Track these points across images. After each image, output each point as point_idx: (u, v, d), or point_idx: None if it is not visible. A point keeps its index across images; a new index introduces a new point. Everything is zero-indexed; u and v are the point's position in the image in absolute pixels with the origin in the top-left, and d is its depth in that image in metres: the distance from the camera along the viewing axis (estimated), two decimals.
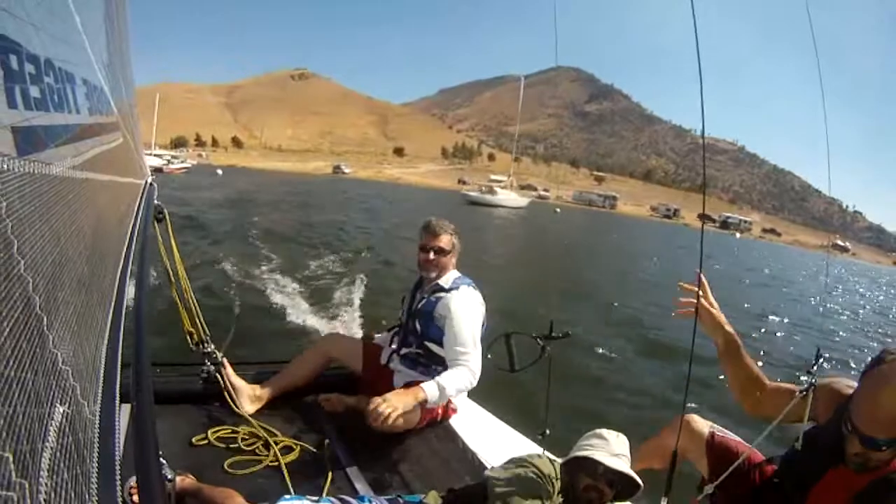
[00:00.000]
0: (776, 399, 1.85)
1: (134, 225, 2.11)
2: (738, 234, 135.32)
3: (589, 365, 6.90)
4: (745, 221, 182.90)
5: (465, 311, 2.71)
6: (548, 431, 2.16)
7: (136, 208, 2.43)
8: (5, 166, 0.58)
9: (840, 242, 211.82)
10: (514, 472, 1.93)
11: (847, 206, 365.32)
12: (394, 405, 2.41)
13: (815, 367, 1.81)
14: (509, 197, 69.11)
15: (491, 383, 2.80)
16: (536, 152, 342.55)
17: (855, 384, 1.73)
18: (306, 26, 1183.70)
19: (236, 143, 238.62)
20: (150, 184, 3.28)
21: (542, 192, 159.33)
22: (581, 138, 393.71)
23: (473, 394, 2.95)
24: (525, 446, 2.58)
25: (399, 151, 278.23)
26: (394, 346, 2.93)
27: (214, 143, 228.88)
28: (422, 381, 2.69)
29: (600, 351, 7.68)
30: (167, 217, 2.88)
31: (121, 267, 1.46)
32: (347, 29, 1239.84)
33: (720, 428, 2.24)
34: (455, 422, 2.86)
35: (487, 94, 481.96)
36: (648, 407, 5.78)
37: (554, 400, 2.18)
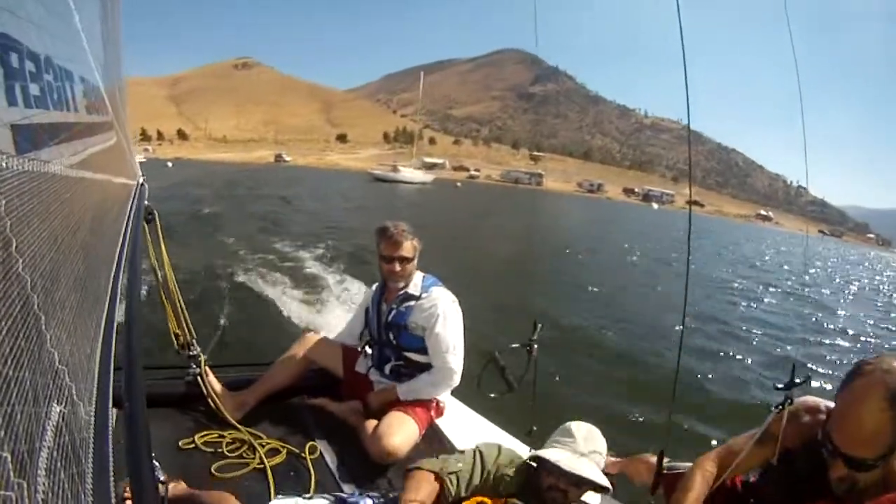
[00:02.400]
0: (735, 453, 1.81)
1: (126, 225, 2.08)
2: (655, 205, 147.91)
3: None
4: (668, 194, 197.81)
5: (447, 315, 2.69)
6: (535, 428, 2.16)
7: (128, 209, 2.40)
8: (4, 164, 0.58)
9: (763, 212, 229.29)
10: (454, 459, 1.93)
11: (790, 182, 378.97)
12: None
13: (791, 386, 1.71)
14: (412, 174, 78.62)
15: (480, 381, 2.73)
16: (481, 134, 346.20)
17: (824, 402, 1.68)
18: (250, 14, 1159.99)
19: (181, 135, 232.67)
20: (142, 184, 3.23)
21: (474, 172, 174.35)
22: (526, 120, 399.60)
23: (460, 395, 2.98)
24: (511, 445, 2.53)
25: (342, 138, 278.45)
26: (371, 362, 2.92)
27: (160, 136, 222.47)
28: None
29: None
30: (157, 218, 2.85)
31: (114, 268, 1.47)
32: (291, 16, 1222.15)
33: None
34: (442, 423, 2.85)
35: (432, 77, 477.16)
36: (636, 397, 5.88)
37: (541, 392, 2.10)
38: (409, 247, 2.71)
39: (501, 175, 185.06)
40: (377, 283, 2.98)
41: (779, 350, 9.23)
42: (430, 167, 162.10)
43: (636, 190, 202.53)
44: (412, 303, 2.75)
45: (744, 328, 10.68)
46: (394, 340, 2.78)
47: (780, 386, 1.71)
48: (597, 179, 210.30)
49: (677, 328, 8.54)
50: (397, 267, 2.71)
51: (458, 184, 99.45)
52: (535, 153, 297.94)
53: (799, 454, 1.67)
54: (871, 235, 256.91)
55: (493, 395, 2.66)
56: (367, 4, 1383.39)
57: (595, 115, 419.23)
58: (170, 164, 68.22)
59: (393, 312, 2.77)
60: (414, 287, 2.78)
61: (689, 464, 2.06)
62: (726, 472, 1.82)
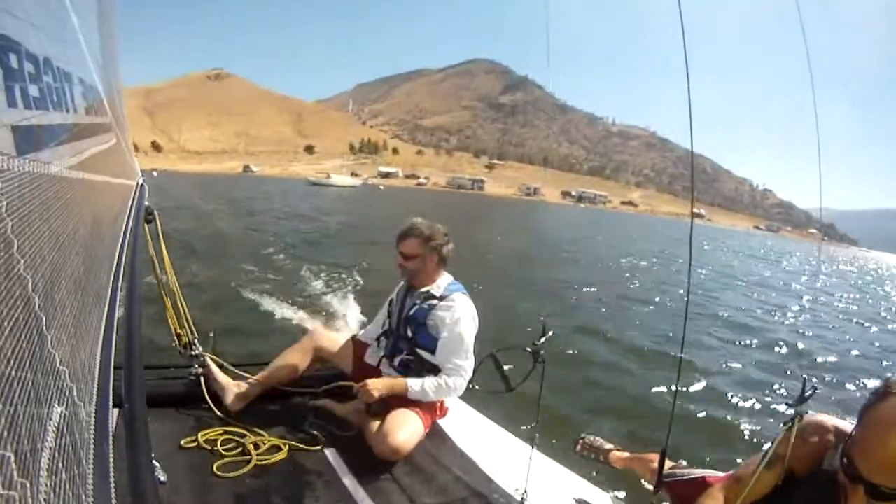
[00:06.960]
0: (742, 480, 1.66)
1: (126, 226, 2.09)
2: (582, 205, 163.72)
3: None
4: (601, 195, 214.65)
5: (461, 321, 2.67)
6: (537, 436, 2.16)
7: (128, 209, 2.41)
8: (5, 165, 0.58)
9: (695, 210, 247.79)
10: None
11: (757, 185, 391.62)
12: (378, 388, 2.53)
13: (801, 401, 1.57)
14: (342, 180, 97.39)
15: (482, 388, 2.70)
16: (450, 144, 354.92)
17: (832, 420, 1.57)
18: (222, 26, 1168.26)
19: (155, 147, 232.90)
20: (141, 185, 3.21)
21: (422, 179, 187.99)
22: (495, 129, 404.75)
23: (464, 396, 2.94)
24: (514, 445, 2.64)
25: (310, 149, 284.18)
26: (383, 352, 2.89)
27: (136, 148, 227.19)
28: None
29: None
30: (157, 219, 2.84)
31: (114, 268, 1.46)
32: (263, 26, 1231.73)
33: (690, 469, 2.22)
34: (445, 422, 2.85)
35: (403, 87, 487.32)
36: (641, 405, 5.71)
37: (545, 402, 2.10)
38: (410, 244, 2.75)
39: (448, 181, 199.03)
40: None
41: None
42: (385, 175, 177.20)
43: (572, 192, 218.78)
44: (434, 302, 2.73)
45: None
46: (410, 335, 2.76)
47: (791, 403, 1.58)
48: (534, 184, 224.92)
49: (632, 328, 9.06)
50: (400, 260, 2.78)
51: (382, 187, 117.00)
52: (493, 161, 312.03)
53: (804, 480, 1.55)
54: (813, 231, 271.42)
55: (488, 392, 2.57)
56: (340, 16, 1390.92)
57: (563, 124, 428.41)
58: (155, 174, 79.51)
59: (415, 308, 2.76)
60: (436, 288, 2.78)
61: (693, 470, 2.13)
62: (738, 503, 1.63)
